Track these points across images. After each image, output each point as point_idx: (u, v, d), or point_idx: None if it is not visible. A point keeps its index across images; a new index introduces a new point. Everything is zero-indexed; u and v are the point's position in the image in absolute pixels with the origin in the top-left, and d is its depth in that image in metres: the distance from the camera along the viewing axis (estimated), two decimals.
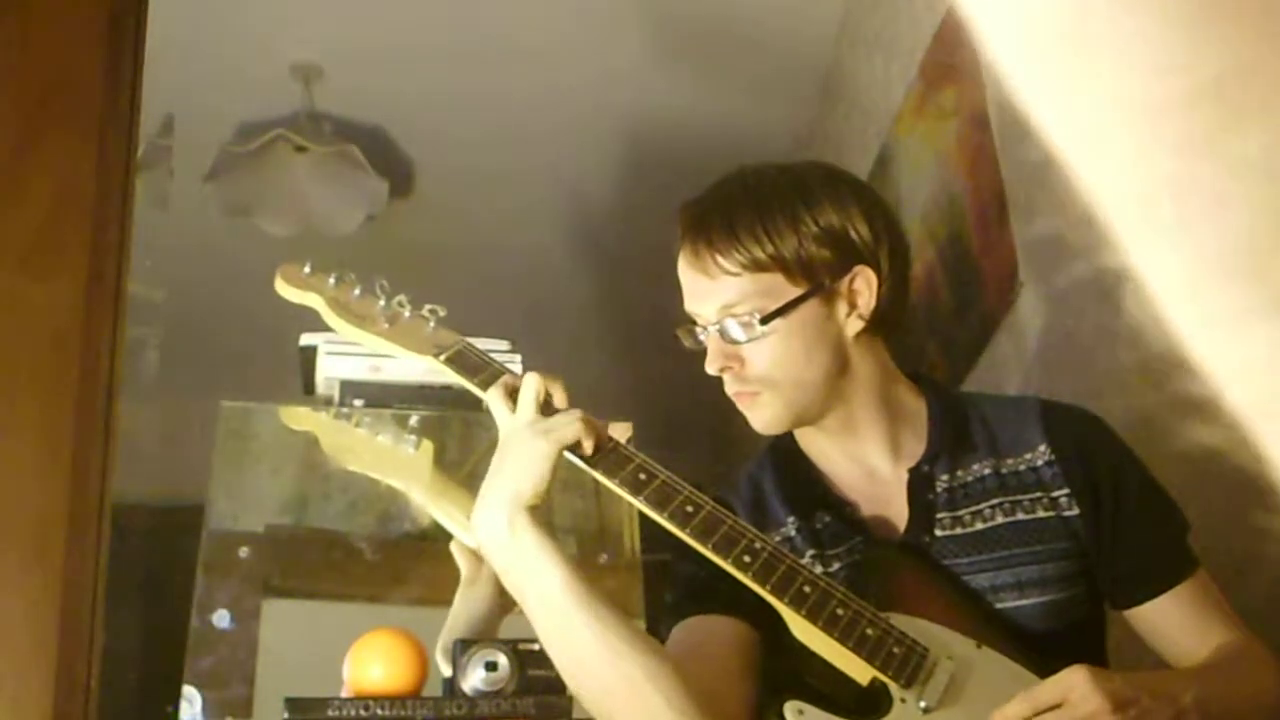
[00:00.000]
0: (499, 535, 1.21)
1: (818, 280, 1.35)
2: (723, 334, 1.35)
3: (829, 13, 3.25)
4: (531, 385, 1.26)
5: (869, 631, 1.24)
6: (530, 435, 1.23)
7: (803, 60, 3.36)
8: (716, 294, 1.35)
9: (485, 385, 1.36)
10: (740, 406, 1.39)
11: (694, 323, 1.41)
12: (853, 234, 1.37)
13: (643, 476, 1.29)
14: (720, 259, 1.34)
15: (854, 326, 1.37)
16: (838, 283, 1.36)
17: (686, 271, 1.40)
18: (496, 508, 1.21)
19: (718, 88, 3.38)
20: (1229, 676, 1.30)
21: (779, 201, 1.36)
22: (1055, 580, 1.34)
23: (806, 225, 1.35)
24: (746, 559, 1.26)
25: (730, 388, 1.37)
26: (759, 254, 1.33)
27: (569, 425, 1.24)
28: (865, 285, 1.37)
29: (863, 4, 3.12)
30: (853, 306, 1.37)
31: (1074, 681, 1.17)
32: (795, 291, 1.34)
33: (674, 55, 3.31)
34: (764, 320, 1.33)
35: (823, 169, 1.46)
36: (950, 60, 2.51)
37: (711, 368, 1.37)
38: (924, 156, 2.64)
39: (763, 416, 1.38)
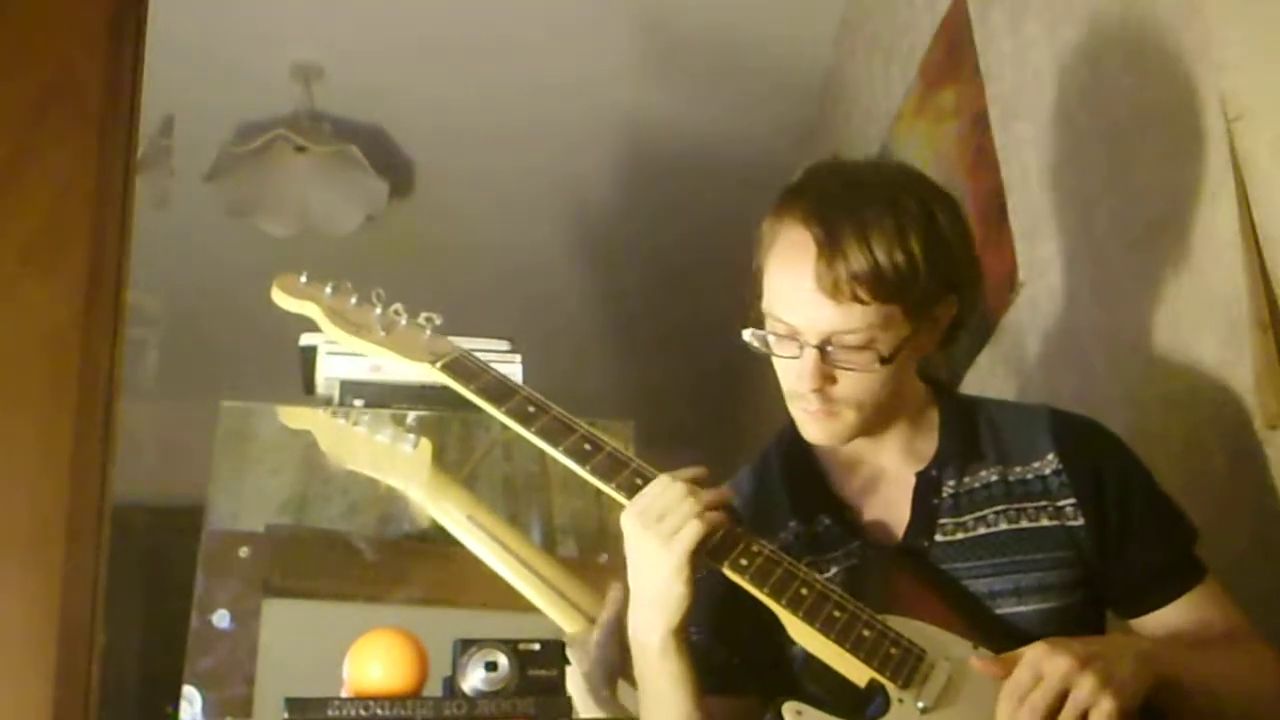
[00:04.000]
0: (649, 650, 1.26)
1: (928, 316, 1.34)
2: (824, 355, 1.31)
3: (828, 13, 3.25)
4: (653, 495, 1.25)
5: (866, 633, 1.24)
6: (654, 545, 1.23)
7: (803, 61, 3.36)
8: (835, 317, 1.29)
9: (481, 392, 1.36)
10: (807, 419, 1.36)
11: (757, 322, 1.37)
12: (960, 263, 1.35)
13: (639, 481, 1.29)
14: (858, 289, 1.28)
15: (924, 350, 1.38)
16: (933, 313, 1.35)
17: (803, 282, 1.30)
18: (651, 629, 1.26)
19: (718, 88, 3.38)
20: (1206, 653, 1.31)
21: (915, 225, 1.30)
22: (1055, 588, 1.34)
23: (935, 256, 1.30)
24: (743, 562, 1.26)
25: (809, 404, 1.34)
26: (894, 286, 1.28)
27: (689, 530, 1.23)
28: (946, 312, 1.37)
29: (862, 5, 3.12)
30: (930, 334, 1.37)
31: (1037, 657, 1.20)
32: (907, 327, 1.32)
33: (675, 55, 3.31)
34: (885, 361, 1.30)
35: (930, 181, 1.41)
36: (950, 60, 2.51)
37: (805, 385, 1.32)
38: (924, 157, 2.63)
39: (833, 432, 1.36)
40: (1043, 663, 1.19)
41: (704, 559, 1.26)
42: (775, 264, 1.34)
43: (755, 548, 1.27)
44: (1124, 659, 1.21)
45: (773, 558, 1.27)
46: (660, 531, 1.23)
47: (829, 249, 1.28)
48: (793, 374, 1.34)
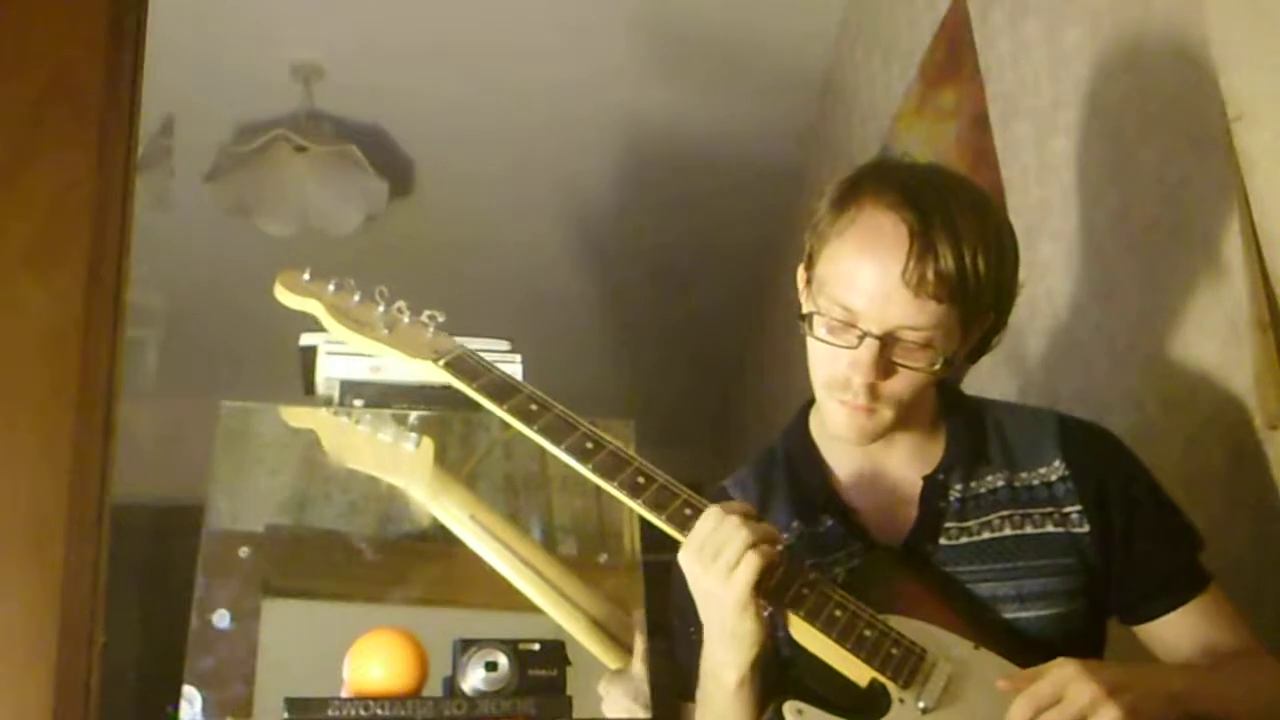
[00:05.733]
0: (726, 686, 1.26)
1: (970, 329, 1.33)
2: (885, 348, 1.28)
3: (829, 13, 3.25)
4: (707, 531, 1.23)
5: (867, 633, 1.24)
6: (714, 583, 1.22)
7: (803, 60, 3.36)
8: (908, 311, 1.26)
9: (484, 391, 1.36)
10: (844, 412, 1.33)
11: (809, 307, 1.34)
12: (1009, 281, 1.34)
13: (640, 480, 1.29)
14: (940, 286, 1.25)
15: (954, 362, 1.36)
16: (972, 326, 1.34)
17: (887, 269, 1.26)
18: (728, 666, 1.25)
19: (718, 88, 3.38)
20: (1229, 678, 1.30)
21: (992, 232, 1.29)
22: (1057, 594, 1.34)
23: (998, 268, 1.29)
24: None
25: (856, 397, 1.31)
26: (970, 290, 1.26)
27: (747, 565, 1.20)
28: (980, 328, 1.35)
29: (862, 5, 3.12)
30: (964, 347, 1.36)
31: (1066, 675, 1.18)
32: (958, 335, 1.31)
33: (675, 55, 3.31)
34: (947, 363, 1.29)
35: (995, 201, 1.41)
36: (950, 60, 2.51)
37: (861, 376, 1.29)
38: (924, 157, 2.63)
39: (867, 429, 1.33)
40: (1069, 684, 1.17)
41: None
42: (851, 246, 1.29)
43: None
44: (1153, 696, 1.19)
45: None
46: (718, 569, 1.21)
47: (923, 240, 1.25)
48: (843, 363, 1.30)
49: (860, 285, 1.28)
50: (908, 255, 1.25)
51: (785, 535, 1.38)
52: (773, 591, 1.24)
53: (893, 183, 1.30)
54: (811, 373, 1.36)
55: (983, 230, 1.28)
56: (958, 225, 1.26)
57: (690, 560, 1.24)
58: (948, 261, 1.25)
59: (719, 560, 1.21)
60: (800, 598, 1.25)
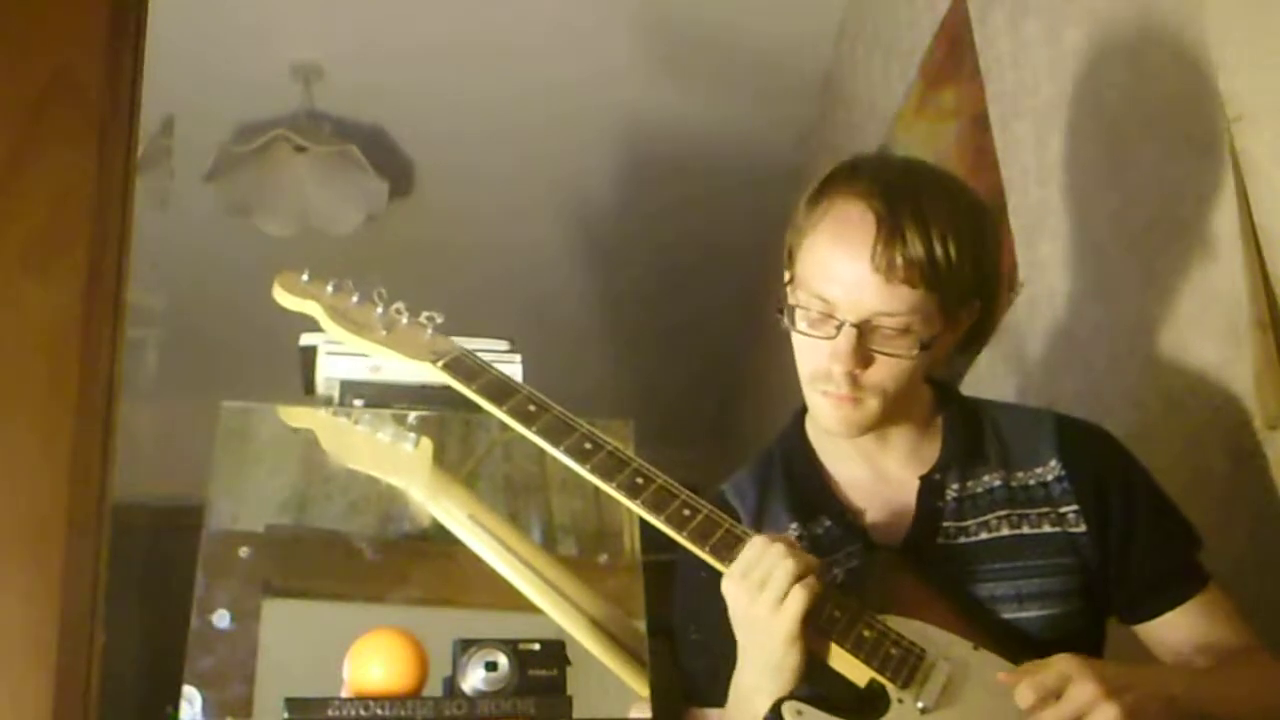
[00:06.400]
0: (757, 706, 1.25)
1: (955, 316, 1.33)
2: (864, 336, 1.29)
3: (829, 13, 3.25)
4: (753, 558, 1.22)
5: (866, 633, 1.24)
6: (763, 613, 1.21)
7: (803, 60, 3.36)
8: (881, 297, 1.28)
9: (482, 391, 1.36)
10: (829, 404, 1.34)
11: (789, 300, 1.34)
12: (992, 269, 1.35)
13: (639, 481, 1.29)
14: (911, 271, 1.26)
15: (942, 351, 1.36)
16: (959, 315, 1.34)
17: (857, 257, 1.28)
18: (763, 694, 1.24)
19: (718, 88, 3.38)
20: (1229, 679, 1.30)
21: (966, 220, 1.30)
22: (1055, 595, 1.34)
23: (977, 256, 1.30)
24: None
25: (838, 387, 1.32)
26: (943, 276, 1.27)
27: (797, 597, 1.20)
28: (969, 316, 1.36)
29: (862, 5, 3.12)
30: (951, 336, 1.36)
31: (1069, 671, 1.18)
32: (939, 322, 1.31)
33: (675, 55, 3.31)
34: (924, 348, 1.29)
35: (972, 189, 1.42)
36: (950, 60, 2.51)
37: (841, 365, 1.30)
38: (924, 157, 2.63)
39: (854, 420, 1.34)
40: (1070, 681, 1.17)
41: (707, 558, 1.25)
42: (824, 238, 1.31)
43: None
44: (1154, 698, 1.19)
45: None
46: (766, 599, 1.20)
47: (889, 226, 1.27)
48: (824, 354, 1.31)
49: (834, 274, 1.30)
50: (874, 241, 1.27)
51: (784, 533, 1.38)
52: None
53: (863, 174, 1.33)
54: (798, 369, 1.36)
55: (954, 216, 1.29)
56: (926, 211, 1.28)
57: (735, 588, 1.23)
58: (916, 247, 1.26)
59: (767, 590, 1.20)
60: None
